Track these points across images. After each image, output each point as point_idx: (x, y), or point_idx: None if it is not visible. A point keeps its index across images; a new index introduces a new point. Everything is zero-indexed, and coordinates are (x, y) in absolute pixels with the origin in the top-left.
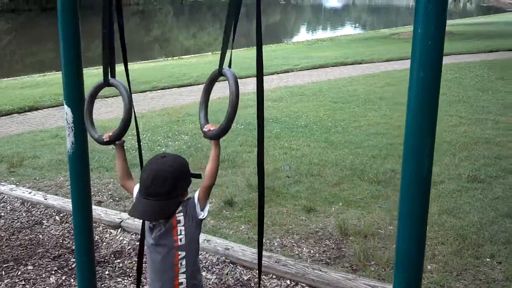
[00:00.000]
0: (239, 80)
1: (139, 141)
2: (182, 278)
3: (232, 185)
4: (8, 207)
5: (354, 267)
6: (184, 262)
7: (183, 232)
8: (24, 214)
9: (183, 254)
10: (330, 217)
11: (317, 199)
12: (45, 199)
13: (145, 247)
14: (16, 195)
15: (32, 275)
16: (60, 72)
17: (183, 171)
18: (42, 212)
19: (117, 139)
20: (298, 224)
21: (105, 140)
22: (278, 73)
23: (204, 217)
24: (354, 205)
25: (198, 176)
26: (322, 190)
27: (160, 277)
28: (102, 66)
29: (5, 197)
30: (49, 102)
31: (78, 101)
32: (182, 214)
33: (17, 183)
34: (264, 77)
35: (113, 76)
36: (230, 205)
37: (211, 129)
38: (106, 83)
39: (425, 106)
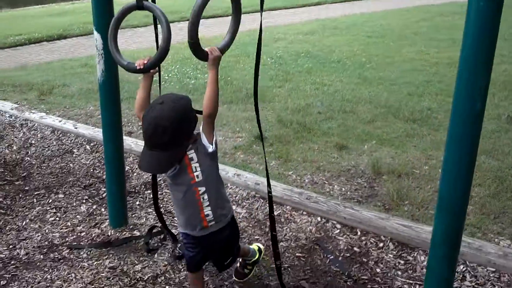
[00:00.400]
0: (267, 12)
1: (159, 72)
2: (207, 210)
3: (263, 119)
4: (38, 135)
5: (387, 207)
6: (206, 196)
7: (198, 169)
8: (54, 143)
9: (203, 189)
10: (363, 155)
11: (350, 136)
12: (76, 128)
13: (169, 188)
14: (46, 123)
15: (63, 203)
16: (88, 0)
17: (183, 114)
18: (72, 140)
19: (152, 67)
20: (329, 161)
21: (138, 67)
22: (308, 6)
23: (214, 150)
24: (387, 143)
25: (200, 112)
26: (355, 128)
27: (184, 211)
28: None
29: (36, 124)
30: (78, 30)
31: (109, 27)
32: (193, 151)
33: (47, 111)
34: (294, 9)
35: None
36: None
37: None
38: (138, 6)
39: (484, 38)
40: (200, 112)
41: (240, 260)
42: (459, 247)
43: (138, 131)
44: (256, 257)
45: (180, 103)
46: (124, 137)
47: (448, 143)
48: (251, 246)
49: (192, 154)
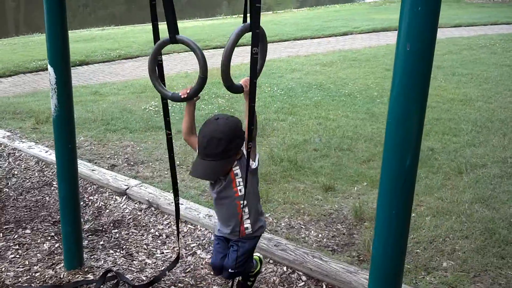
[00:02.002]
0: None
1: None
2: (247, 223)
3: None
4: (22, 165)
5: (362, 257)
6: (246, 210)
7: (241, 184)
8: (36, 174)
9: (244, 203)
10: (349, 198)
11: (340, 176)
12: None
13: (213, 201)
14: (32, 153)
15: (28, 239)
16: (118, 27)
17: (236, 131)
18: (54, 172)
19: (194, 95)
20: (311, 203)
21: (182, 97)
22: (335, 36)
23: (256, 166)
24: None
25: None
26: (348, 167)
27: (227, 224)
28: (165, 23)
29: (22, 154)
30: (101, 57)
31: (62, 61)
32: (238, 167)
33: (37, 141)
34: (319, 39)
35: (177, 32)
36: None
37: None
38: (172, 40)
39: (413, 86)
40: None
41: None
42: None
43: (122, 164)
44: (258, 268)
45: (233, 121)
46: (105, 171)
47: (378, 202)
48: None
49: (237, 170)
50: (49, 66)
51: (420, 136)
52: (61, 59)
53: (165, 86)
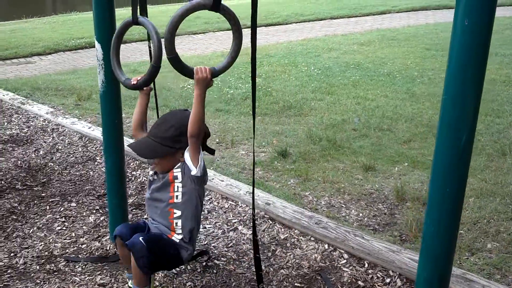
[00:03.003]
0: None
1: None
2: (176, 237)
3: (292, 134)
4: (66, 141)
5: (404, 237)
6: (180, 223)
7: (180, 190)
8: (80, 149)
9: (178, 213)
10: (390, 178)
11: (381, 156)
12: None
13: (145, 202)
14: (76, 129)
15: (73, 212)
16: (154, 6)
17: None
18: (97, 148)
19: (144, 85)
20: (352, 183)
21: (132, 83)
22: (373, 15)
23: (198, 174)
24: (421, 166)
25: (212, 151)
26: (389, 147)
27: (158, 227)
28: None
29: (66, 130)
30: (138, 36)
31: (110, 37)
32: (179, 170)
33: (80, 117)
34: (357, 18)
35: (145, 14)
36: (283, 156)
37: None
38: (134, 21)
39: (470, 63)
40: (210, 151)
41: None
42: None
43: None
44: None
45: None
46: None
47: (431, 182)
48: None
49: (178, 173)
50: (96, 42)
51: (477, 114)
52: (108, 35)
53: (121, 68)
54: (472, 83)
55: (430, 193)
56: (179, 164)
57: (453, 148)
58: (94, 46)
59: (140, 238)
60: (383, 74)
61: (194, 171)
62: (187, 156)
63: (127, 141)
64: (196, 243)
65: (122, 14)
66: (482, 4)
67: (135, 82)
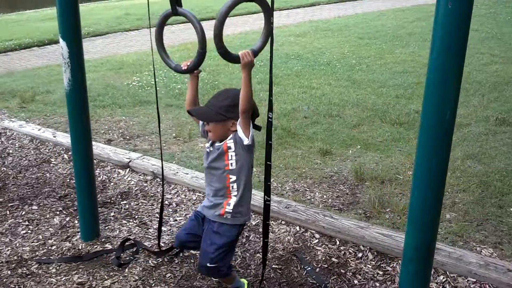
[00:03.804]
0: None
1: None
2: (232, 200)
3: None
4: (16, 144)
5: (368, 214)
6: (235, 186)
7: (233, 158)
8: (32, 152)
9: (234, 178)
10: (347, 160)
11: (334, 141)
12: (54, 136)
13: (204, 171)
14: (25, 131)
15: (36, 215)
16: (82, 4)
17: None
18: (50, 150)
19: (195, 69)
20: (312, 167)
21: (183, 68)
22: (304, 7)
23: (249, 143)
24: (372, 148)
25: (258, 128)
26: (340, 132)
27: (212, 195)
28: None
29: (14, 133)
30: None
31: (75, 34)
32: (232, 141)
33: (27, 120)
34: (288, 11)
35: (180, 5)
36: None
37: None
38: (174, 13)
39: (453, 40)
40: (257, 127)
41: None
42: (432, 263)
43: (118, 138)
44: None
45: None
46: (103, 146)
47: (418, 154)
48: (241, 280)
49: (231, 143)
50: (61, 40)
51: (458, 91)
52: (73, 33)
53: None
54: (455, 62)
55: (417, 165)
56: (231, 136)
57: (439, 122)
58: (24, 48)
59: (208, 265)
60: (323, 63)
61: (246, 141)
62: (239, 128)
63: (95, 141)
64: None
65: (98, 8)
66: None
67: (185, 68)
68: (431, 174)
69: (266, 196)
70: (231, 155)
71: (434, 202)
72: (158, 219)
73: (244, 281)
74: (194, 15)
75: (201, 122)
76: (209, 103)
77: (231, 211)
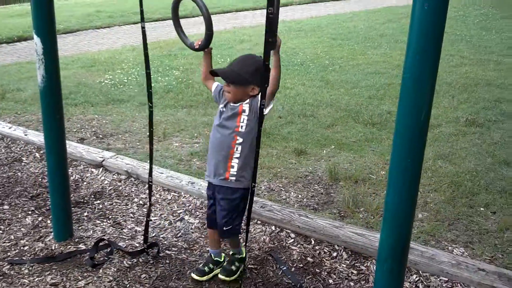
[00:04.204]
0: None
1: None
2: (234, 162)
3: None
4: None
5: (342, 214)
6: (239, 148)
7: (245, 121)
8: (3, 150)
9: (240, 140)
10: (321, 160)
11: (309, 141)
12: (26, 134)
13: (211, 132)
14: None
15: (7, 215)
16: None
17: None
18: (22, 148)
19: (204, 48)
20: (287, 167)
21: (196, 47)
22: None
23: (265, 113)
24: (346, 148)
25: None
26: (315, 132)
27: (216, 155)
28: None
29: None
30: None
31: (50, 30)
32: (248, 105)
33: None
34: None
35: None
36: None
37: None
38: None
39: (429, 43)
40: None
41: (228, 257)
42: (406, 261)
43: (90, 137)
44: (243, 254)
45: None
46: (76, 144)
47: (393, 154)
48: (242, 248)
49: (246, 107)
50: (35, 37)
51: (433, 91)
52: (48, 29)
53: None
54: (430, 63)
55: (392, 165)
56: (248, 100)
57: (414, 122)
58: None
59: (224, 229)
60: (297, 63)
61: (264, 111)
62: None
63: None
64: (143, 236)
65: (68, 4)
66: None
67: (197, 46)
68: (406, 174)
69: (252, 183)
70: (243, 118)
71: (409, 201)
72: (132, 219)
73: (242, 248)
74: (202, 1)
75: (215, 87)
76: (232, 66)
77: (235, 173)
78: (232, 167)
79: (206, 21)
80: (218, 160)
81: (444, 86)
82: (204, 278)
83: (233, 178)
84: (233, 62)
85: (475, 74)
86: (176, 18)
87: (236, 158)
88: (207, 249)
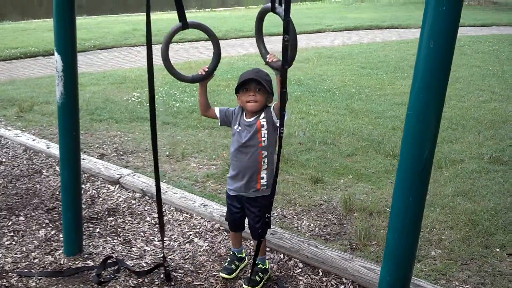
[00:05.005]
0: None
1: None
2: (263, 173)
3: None
4: (10, 153)
5: (354, 246)
6: (266, 160)
7: (265, 135)
8: (25, 162)
9: (265, 153)
10: (337, 190)
11: (327, 169)
12: (48, 148)
13: (232, 151)
14: (20, 141)
15: (22, 226)
16: (90, 17)
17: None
18: (43, 161)
19: (214, 70)
20: (302, 195)
21: (202, 73)
22: (309, 33)
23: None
24: (364, 179)
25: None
26: (334, 160)
27: (245, 173)
28: (176, 11)
29: (9, 142)
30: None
31: (70, 49)
32: (264, 119)
33: (23, 129)
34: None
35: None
36: None
37: (274, 60)
38: (184, 26)
39: (434, 81)
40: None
41: (252, 268)
42: None
43: (111, 153)
44: (267, 266)
45: None
46: (95, 160)
47: (395, 192)
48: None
49: (263, 122)
50: (56, 54)
51: (438, 129)
52: (69, 47)
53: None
54: (435, 101)
55: (394, 201)
56: (263, 114)
57: (417, 160)
58: (29, 56)
59: (260, 231)
60: (323, 90)
61: (278, 123)
62: (273, 112)
63: (88, 154)
64: (151, 256)
65: (107, 21)
66: (446, 27)
67: (203, 72)
68: (407, 211)
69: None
70: (264, 133)
71: (410, 239)
72: (142, 238)
73: (267, 262)
74: (206, 25)
75: (218, 111)
76: (256, 74)
77: (266, 183)
78: (262, 178)
79: (214, 42)
80: (249, 176)
81: (471, 121)
82: (233, 275)
83: (265, 187)
84: (250, 71)
85: (504, 111)
86: (167, 51)
87: (265, 169)
88: (213, 273)
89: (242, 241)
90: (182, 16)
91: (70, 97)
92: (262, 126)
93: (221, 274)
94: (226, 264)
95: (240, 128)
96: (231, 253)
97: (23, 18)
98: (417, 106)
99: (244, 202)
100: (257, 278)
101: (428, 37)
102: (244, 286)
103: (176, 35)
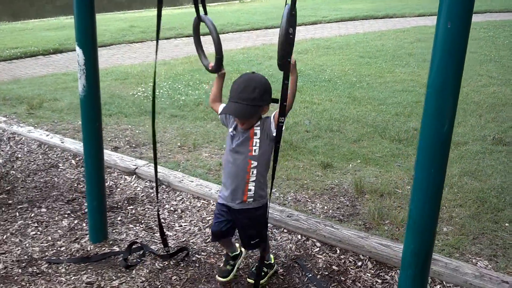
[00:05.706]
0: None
1: (154, 90)
2: (251, 185)
3: None
4: (25, 149)
5: (368, 225)
6: (255, 171)
7: (257, 144)
8: (40, 157)
9: (255, 164)
10: (347, 174)
11: (335, 155)
12: (62, 142)
13: (223, 155)
14: (33, 137)
15: (45, 217)
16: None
17: (268, 87)
18: (58, 155)
19: (217, 70)
20: (313, 179)
21: (210, 68)
22: (305, 25)
23: (275, 134)
24: (372, 163)
25: (276, 101)
26: (341, 146)
27: (232, 181)
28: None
29: (23, 138)
30: (74, 45)
31: (91, 42)
32: (259, 128)
33: (35, 125)
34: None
35: (205, 13)
36: None
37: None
38: (199, 19)
39: (451, 60)
40: (274, 101)
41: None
42: (429, 268)
43: (124, 146)
44: (271, 261)
45: (267, 80)
46: (110, 152)
47: (417, 164)
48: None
49: (257, 130)
50: (77, 48)
51: (456, 105)
52: (90, 41)
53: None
54: (453, 79)
55: (416, 173)
56: (259, 122)
57: (437, 134)
58: (29, 56)
59: (252, 244)
60: (325, 80)
61: (274, 133)
62: (272, 121)
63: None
64: (173, 241)
65: (104, 19)
66: (463, 7)
67: (211, 68)
68: (429, 182)
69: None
70: (256, 142)
71: (433, 208)
72: (163, 224)
73: (272, 257)
74: (213, 23)
75: (221, 109)
76: (240, 99)
77: (253, 195)
78: (249, 190)
79: (216, 46)
80: (235, 185)
81: (471, 105)
82: (230, 277)
83: (251, 199)
84: (236, 90)
85: (503, 94)
86: (197, 38)
87: (252, 181)
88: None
89: (234, 241)
90: (197, 10)
91: (92, 89)
92: (255, 134)
93: (217, 277)
94: (221, 265)
95: (234, 132)
96: (225, 253)
97: (16, 19)
98: (436, 84)
99: (231, 213)
100: (262, 273)
101: (445, 19)
102: (248, 280)
103: (199, 28)
